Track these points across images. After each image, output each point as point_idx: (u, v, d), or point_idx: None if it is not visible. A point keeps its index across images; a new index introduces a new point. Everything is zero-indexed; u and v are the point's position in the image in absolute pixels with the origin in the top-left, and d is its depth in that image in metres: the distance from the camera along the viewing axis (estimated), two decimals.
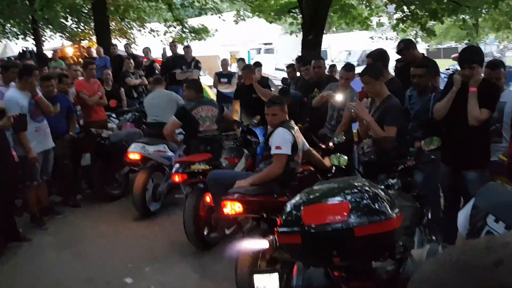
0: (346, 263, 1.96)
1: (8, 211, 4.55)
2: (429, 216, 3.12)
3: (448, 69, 15.35)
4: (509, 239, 0.57)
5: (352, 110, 3.77)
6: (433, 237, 3.10)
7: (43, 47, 14.23)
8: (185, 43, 13.01)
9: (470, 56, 3.58)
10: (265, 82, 8.14)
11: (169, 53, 9.90)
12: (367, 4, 10.13)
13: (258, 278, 1.09)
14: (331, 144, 4.21)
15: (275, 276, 1.09)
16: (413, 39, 5.78)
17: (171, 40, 14.29)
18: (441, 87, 5.37)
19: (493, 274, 0.52)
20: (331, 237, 1.87)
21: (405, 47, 4.64)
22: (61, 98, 5.47)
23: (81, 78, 6.92)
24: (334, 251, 1.90)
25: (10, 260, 4.29)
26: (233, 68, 10.21)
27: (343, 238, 1.86)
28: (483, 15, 9.87)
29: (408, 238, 2.44)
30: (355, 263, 2.00)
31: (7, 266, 4.18)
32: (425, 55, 5.28)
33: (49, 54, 12.65)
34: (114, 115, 7.09)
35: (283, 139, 3.49)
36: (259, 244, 2.25)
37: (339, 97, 4.57)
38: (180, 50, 9.71)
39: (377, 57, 4.36)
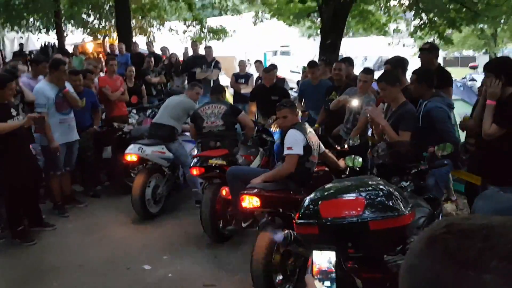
0: (359, 255, 2.11)
1: (33, 198, 4.77)
2: (440, 218, 3.24)
3: (465, 77, 15.34)
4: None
5: (368, 115, 3.89)
6: None
7: (64, 42, 14.56)
8: (203, 43, 13.27)
9: (488, 65, 3.49)
10: (281, 83, 8.33)
11: (190, 53, 10.10)
12: (386, 10, 10.20)
13: (315, 254, 1.24)
14: (346, 146, 4.35)
15: (330, 254, 1.23)
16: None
17: (189, 39, 14.57)
18: (455, 95, 5.40)
19: None
20: (347, 229, 2.03)
21: (428, 49, 4.66)
22: (87, 93, 5.71)
23: (101, 74, 7.14)
24: (349, 243, 2.06)
25: (35, 243, 4.51)
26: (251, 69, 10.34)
27: (358, 230, 2.02)
28: (501, 25, 9.89)
29: None
30: (368, 255, 2.15)
31: (32, 248, 4.41)
32: (442, 63, 5.33)
33: (70, 48, 12.95)
34: (134, 111, 7.30)
35: (294, 140, 3.64)
36: None
37: (355, 102, 4.70)
38: (201, 50, 9.91)
39: (396, 64, 4.46)
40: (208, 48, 9.11)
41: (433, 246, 0.61)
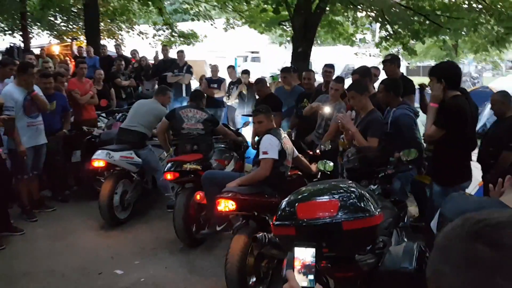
0: (333, 254, 2.21)
1: (1, 203, 4.67)
2: (405, 220, 3.40)
3: (427, 86, 15.94)
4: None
5: (339, 121, 4.05)
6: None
7: (30, 44, 14.18)
8: (174, 47, 13.24)
9: (431, 69, 3.63)
10: (253, 88, 8.43)
11: (161, 57, 10.07)
12: (353, 21, 10.51)
13: (298, 250, 1.33)
14: (318, 151, 4.49)
15: (312, 250, 1.32)
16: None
17: (159, 43, 14.50)
18: (416, 103, 5.69)
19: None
20: (322, 229, 2.13)
21: (390, 60, 4.96)
22: (58, 96, 5.63)
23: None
24: (324, 243, 2.15)
25: (4, 248, 4.41)
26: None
27: (332, 231, 2.12)
28: (462, 36, 10.35)
29: (386, 238, 2.71)
30: (341, 254, 2.26)
31: (1, 254, 4.32)
32: (405, 72, 5.59)
33: (36, 51, 12.63)
34: (104, 115, 7.22)
35: (269, 145, 3.74)
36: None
37: (327, 109, 4.87)
38: (172, 54, 9.90)
39: (363, 74, 4.67)
40: (180, 53, 9.12)
41: (479, 241, 0.70)
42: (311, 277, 1.31)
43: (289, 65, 7.79)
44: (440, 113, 3.38)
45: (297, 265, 1.33)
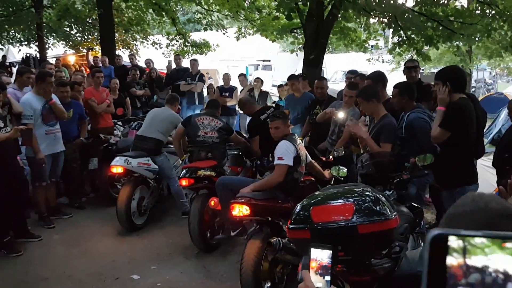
0: (349, 258, 2.22)
1: (19, 209, 4.75)
2: (421, 225, 3.38)
3: None
4: None
5: (351, 129, 4.06)
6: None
7: (46, 54, 14.45)
8: (187, 57, 13.39)
9: (437, 73, 3.66)
10: (265, 96, 8.54)
11: (174, 66, 10.19)
12: (366, 28, 10.50)
13: (314, 252, 1.35)
14: (331, 157, 4.50)
15: (328, 252, 1.34)
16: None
17: (172, 52, 14.68)
18: None
19: None
20: (337, 233, 2.14)
21: (414, 66, 5.10)
22: (75, 104, 5.74)
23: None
24: (339, 246, 2.16)
25: (21, 254, 4.48)
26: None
27: (348, 234, 2.13)
28: (476, 42, 10.27)
29: (403, 243, 2.70)
30: (357, 258, 2.26)
31: (19, 260, 4.38)
32: (420, 78, 5.58)
33: (52, 61, 12.86)
34: (120, 123, 7.33)
35: (285, 151, 3.75)
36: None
37: (340, 114, 4.87)
38: (184, 63, 10.01)
39: (377, 79, 4.66)
40: (193, 61, 9.22)
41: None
42: (327, 278, 1.32)
43: (301, 72, 7.84)
44: (446, 115, 3.41)
45: (314, 266, 1.34)
